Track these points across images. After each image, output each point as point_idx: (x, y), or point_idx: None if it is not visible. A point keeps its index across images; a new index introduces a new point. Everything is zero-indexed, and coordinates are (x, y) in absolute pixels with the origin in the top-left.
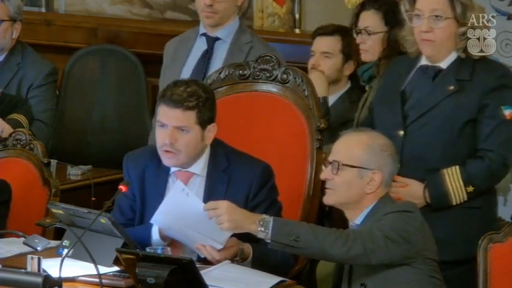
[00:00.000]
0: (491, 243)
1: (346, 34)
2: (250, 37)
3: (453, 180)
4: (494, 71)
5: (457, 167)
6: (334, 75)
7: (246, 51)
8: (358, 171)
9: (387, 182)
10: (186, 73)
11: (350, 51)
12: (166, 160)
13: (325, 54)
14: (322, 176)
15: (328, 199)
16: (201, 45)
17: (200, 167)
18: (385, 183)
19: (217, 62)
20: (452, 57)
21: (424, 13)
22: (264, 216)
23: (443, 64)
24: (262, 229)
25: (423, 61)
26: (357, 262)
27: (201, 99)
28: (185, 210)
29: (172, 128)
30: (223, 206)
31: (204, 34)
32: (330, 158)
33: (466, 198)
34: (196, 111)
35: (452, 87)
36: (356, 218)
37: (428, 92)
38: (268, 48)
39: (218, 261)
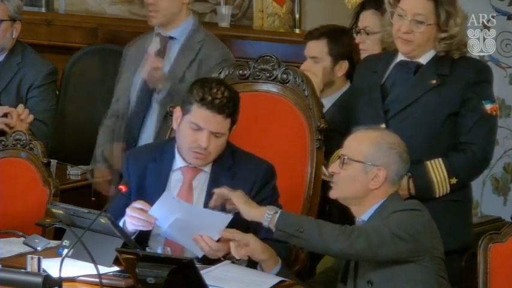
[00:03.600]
0: (491, 243)
1: (334, 35)
2: (203, 36)
3: (437, 171)
4: (474, 66)
5: (440, 159)
6: (326, 78)
7: (197, 49)
8: (363, 167)
9: (393, 180)
10: (140, 74)
11: (339, 52)
12: (194, 160)
13: (313, 59)
14: (330, 170)
15: (332, 193)
16: (155, 46)
17: (207, 164)
18: (391, 180)
19: (169, 60)
20: (430, 54)
21: (407, 14)
22: (272, 206)
23: (423, 60)
24: (271, 212)
25: (401, 57)
26: (361, 257)
27: (235, 104)
28: (178, 211)
29: (209, 133)
30: (237, 195)
31: (158, 34)
32: (340, 153)
33: (449, 191)
34: (231, 117)
35: (434, 81)
36: (363, 214)
37: (410, 86)
38: (220, 46)
39: (216, 252)
